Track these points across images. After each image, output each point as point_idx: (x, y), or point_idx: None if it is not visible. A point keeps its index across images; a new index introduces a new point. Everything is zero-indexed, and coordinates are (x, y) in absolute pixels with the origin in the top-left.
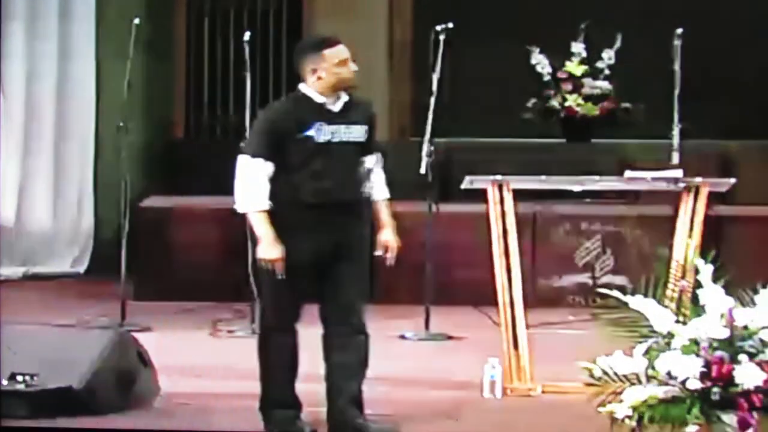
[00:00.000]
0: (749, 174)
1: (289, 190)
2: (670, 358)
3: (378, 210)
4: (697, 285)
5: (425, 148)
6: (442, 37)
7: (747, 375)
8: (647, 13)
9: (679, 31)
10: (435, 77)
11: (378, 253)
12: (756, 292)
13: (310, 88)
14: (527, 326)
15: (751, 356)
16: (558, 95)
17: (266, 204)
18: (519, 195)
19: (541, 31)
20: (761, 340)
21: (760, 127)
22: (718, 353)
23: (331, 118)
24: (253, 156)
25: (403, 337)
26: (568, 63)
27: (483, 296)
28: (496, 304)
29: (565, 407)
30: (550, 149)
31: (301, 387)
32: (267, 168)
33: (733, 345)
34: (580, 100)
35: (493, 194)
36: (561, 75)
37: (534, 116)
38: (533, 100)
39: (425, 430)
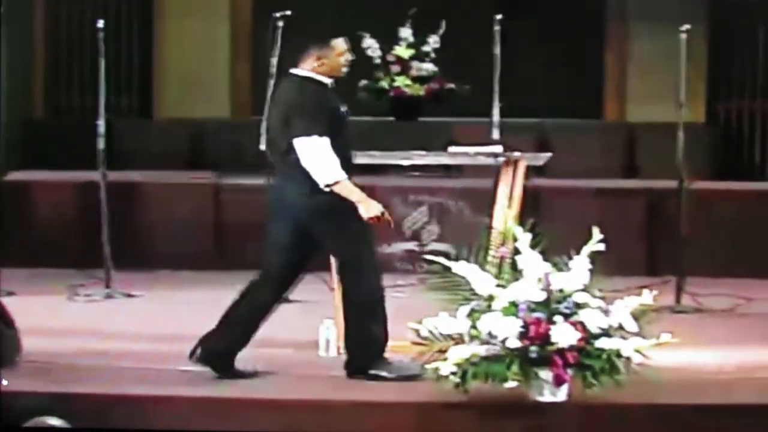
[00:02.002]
0: (563, 149)
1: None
2: (491, 319)
3: None
4: (516, 252)
5: (265, 125)
6: (280, 24)
7: (562, 334)
8: (469, 2)
9: (499, 17)
10: (274, 61)
11: None
12: (570, 258)
13: (312, 72)
14: None
15: (566, 317)
16: (387, 77)
17: (345, 174)
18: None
19: (371, 18)
20: (575, 302)
21: (573, 106)
22: (536, 314)
23: (333, 98)
24: (320, 135)
25: None
26: (396, 47)
27: (320, 262)
28: (331, 269)
29: None
30: (381, 127)
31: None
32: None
33: (549, 307)
34: (408, 81)
35: None
36: (390, 58)
37: (365, 96)
38: (364, 82)
39: (265, 386)
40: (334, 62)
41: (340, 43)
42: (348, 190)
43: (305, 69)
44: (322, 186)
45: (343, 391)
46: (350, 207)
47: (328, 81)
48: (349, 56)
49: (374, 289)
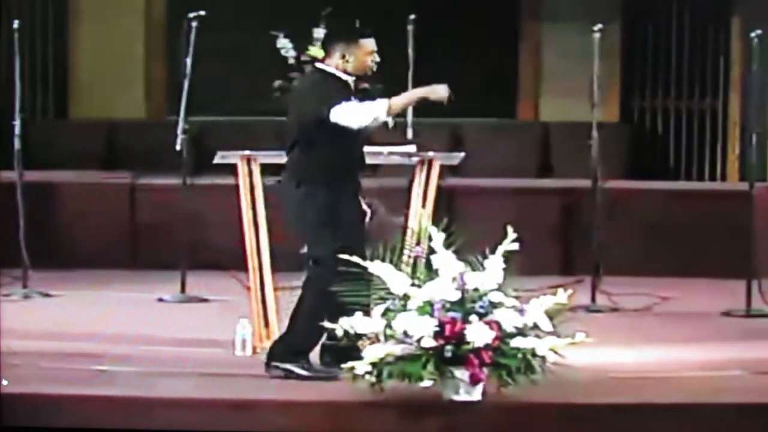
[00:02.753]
0: (477, 148)
1: (342, 158)
2: (406, 318)
3: None
4: (431, 251)
5: (180, 125)
6: (194, 24)
7: (477, 333)
8: (382, 1)
9: (413, 16)
10: (188, 61)
11: None
12: (485, 257)
13: (334, 69)
14: (275, 289)
15: (481, 316)
16: None
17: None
18: (266, 169)
19: (285, 19)
20: (490, 302)
21: (487, 105)
22: (451, 314)
23: (354, 95)
24: (339, 102)
25: (161, 299)
26: (310, 47)
27: (235, 262)
28: (246, 268)
29: None
30: None
31: None
32: None
33: (464, 306)
34: None
35: (242, 168)
36: (304, 58)
37: (280, 96)
38: (279, 82)
39: (182, 385)
40: (359, 61)
41: (368, 43)
42: (404, 99)
43: (329, 65)
44: (383, 119)
45: (259, 390)
46: (336, 208)
47: (349, 78)
48: (376, 56)
49: (323, 296)
